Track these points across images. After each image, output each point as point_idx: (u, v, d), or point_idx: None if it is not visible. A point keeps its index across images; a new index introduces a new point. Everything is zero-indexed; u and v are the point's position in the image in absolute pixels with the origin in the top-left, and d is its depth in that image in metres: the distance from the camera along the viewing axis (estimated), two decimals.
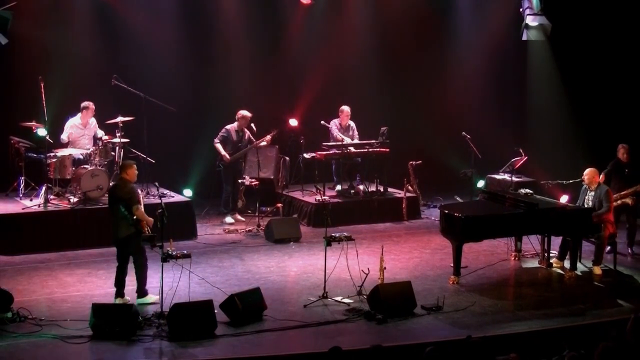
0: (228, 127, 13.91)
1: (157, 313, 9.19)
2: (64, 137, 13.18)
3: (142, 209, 9.88)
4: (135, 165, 10.17)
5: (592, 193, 11.46)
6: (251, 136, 14.00)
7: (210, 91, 15.34)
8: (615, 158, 12.46)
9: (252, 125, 13.94)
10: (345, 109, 14.66)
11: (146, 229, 9.80)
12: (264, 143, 13.91)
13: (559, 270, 11.48)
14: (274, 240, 12.84)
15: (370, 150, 14.37)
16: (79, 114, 13.26)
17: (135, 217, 9.75)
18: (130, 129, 13.38)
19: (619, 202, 11.97)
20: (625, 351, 6.94)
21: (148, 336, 8.85)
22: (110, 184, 12.34)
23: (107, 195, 12.70)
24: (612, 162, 12.46)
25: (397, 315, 9.54)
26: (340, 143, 14.26)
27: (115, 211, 9.93)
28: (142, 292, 9.94)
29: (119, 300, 9.81)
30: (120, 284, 9.96)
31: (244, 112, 13.90)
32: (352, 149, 14.34)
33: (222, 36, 15.51)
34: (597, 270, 11.36)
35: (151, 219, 9.84)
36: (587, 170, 11.54)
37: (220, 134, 13.87)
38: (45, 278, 10.92)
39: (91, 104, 13.24)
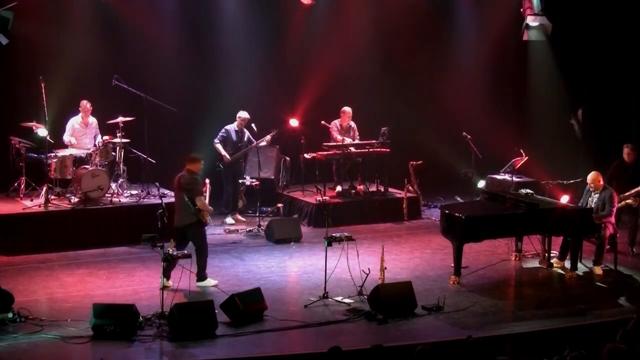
0: (227, 127, 13.91)
1: (158, 313, 9.19)
2: (67, 138, 13.16)
3: (204, 200, 10.58)
4: (202, 161, 10.77)
5: (597, 195, 11.45)
6: (251, 136, 14.01)
7: (210, 91, 15.34)
8: (619, 158, 12.40)
9: (253, 125, 13.94)
10: (347, 110, 14.65)
11: (207, 219, 10.49)
12: (263, 143, 13.91)
13: (560, 271, 11.48)
14: (274, 240, 12.84)
15: (370, 150, 14.37)
16: (80, 114, 13.28)
17: (197, 206, 10.31)
18: (130, 129, 13.38)
19: (622, 203, 11.95)
20: (634, 352, 6.95)
21: (149, 336, 8.85)
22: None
23: (107, 195, 12.86)
24: (616, 162, 12.40)
25: (398, 315, 9.54)
26: (340, 143, 14.26)
27: (178, 199, 10.45)
28: (202, 276, 10.43)
29: (165, 283, 9.98)
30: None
31: (243, 113, 13.91)
32: (352, 149, 14.34)
33: (223, 36, 15.50)
34: (598, 270, 11.36)
35: (211, 208, 10.69)
36: (590, 174, 11.51)
37: (220, 134, 13.88)
38: (46, 278, 10.92)
39: (84, 101, 13.24)
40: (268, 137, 13.88)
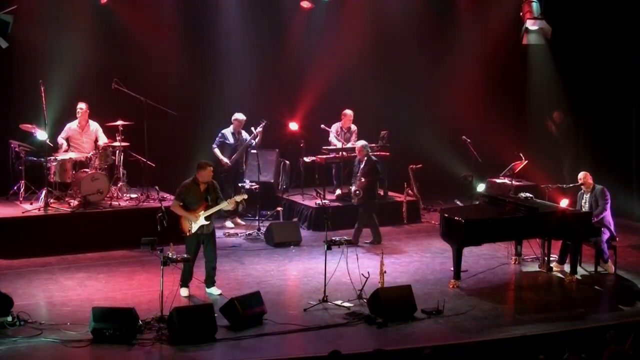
0: (224, 131, 13.94)
1: (157, 317, 9.18)
2: (60, 140, 13.11)
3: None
4: (204, 167, 10.55)
5: (588, 195, 11.54)
6: (248, 138, 13.99)
7: (210, 95, 15.32)
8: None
9: (252, 129, 13.93)
10: (348, 112, 14.69)
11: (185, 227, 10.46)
12: (257, 139, 13.85)
13: (559, 274, 11.49)
14: (274, 244, 12.84)
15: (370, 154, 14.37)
16: (77, 119, 13.28)
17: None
18: (130, 132, 13.38)
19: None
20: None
21: (148, 340, 8.85)
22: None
23: (107, 199, 12.85)
24: None
25: (398, 319, 9.54)
26: (340, 147, 14.26)
27: None
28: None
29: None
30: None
31: (239, 115, 13.93)
32: (352, 152, 14.33)
33: (223, 40, 15.48)
34: (609, 267, 11.42)
35: (186, 215, 10.48)
36: (581, 174, 11.64)
37: (217, 139, 13.91)
38: (45, 282, 10.92)
39: (80, 104, 13.23)
40: (259, 128, 13.83)
